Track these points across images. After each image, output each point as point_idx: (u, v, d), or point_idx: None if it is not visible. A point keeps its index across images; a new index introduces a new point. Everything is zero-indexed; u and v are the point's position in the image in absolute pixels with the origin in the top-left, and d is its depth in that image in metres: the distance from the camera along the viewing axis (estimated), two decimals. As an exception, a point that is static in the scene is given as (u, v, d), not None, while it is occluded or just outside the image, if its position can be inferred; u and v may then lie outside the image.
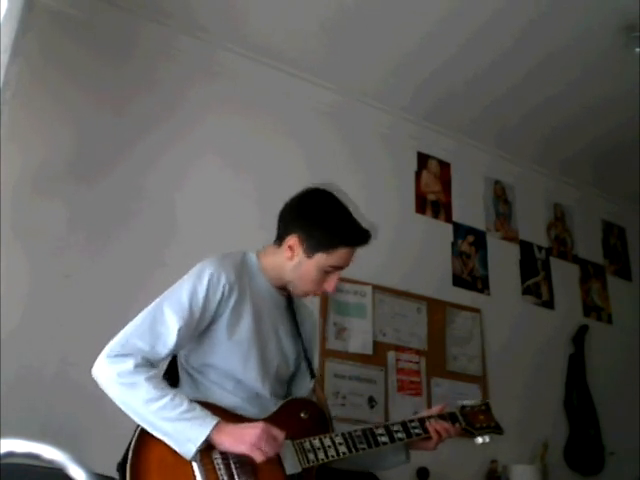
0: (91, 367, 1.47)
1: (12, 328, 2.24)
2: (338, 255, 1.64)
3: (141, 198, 2.73)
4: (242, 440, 1.41)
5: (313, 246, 1.63)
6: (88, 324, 2.37)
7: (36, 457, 0.80)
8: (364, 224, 1.71)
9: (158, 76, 2.95)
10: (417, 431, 1.71)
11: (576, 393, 3.60)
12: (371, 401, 2.96)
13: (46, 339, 2.35)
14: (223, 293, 1.57)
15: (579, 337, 3.75)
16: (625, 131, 3.62)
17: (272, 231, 1.77)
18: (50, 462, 0.80)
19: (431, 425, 1.72)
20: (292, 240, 1.65)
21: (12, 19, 2.25)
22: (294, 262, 1.65)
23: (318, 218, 1.67)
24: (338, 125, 3.38)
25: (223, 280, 1.57)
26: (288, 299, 1.77)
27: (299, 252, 1.64)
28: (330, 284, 1.67)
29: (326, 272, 1.65)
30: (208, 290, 1.55)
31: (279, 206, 1.74)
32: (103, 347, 1.47)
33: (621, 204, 4.39)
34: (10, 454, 0.80)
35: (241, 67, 3.16)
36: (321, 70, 3.26)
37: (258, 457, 1.42)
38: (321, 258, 1.63)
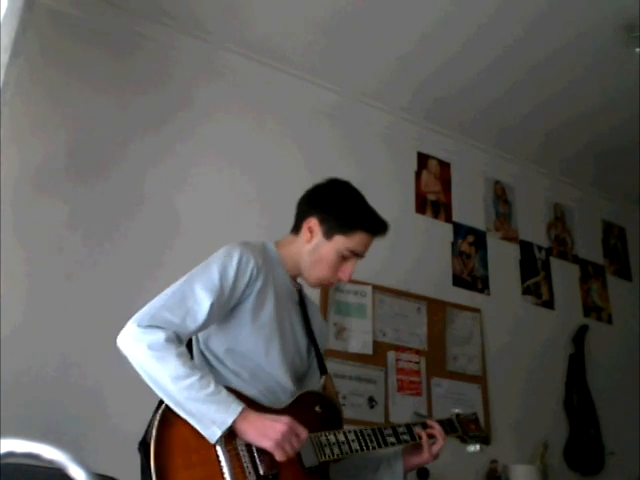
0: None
1: (12, 328, 2.24)
2: (357, 239, 1.66)
3: (141, 198, 2.73)
4: (267, 435, 1.39)
5: (333, 227, 1.66)
6: (88, 324, 2.37)
7: (36, 457, 0.80)
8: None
9: (159, 77, 2.95)
10: (417, 430, 1.70)
11: (576, 393, 3.60)
12: (371, 401, 2.96)
13: (46, 339, 2.34)
14: (251, 275, 1.57)
15: (579, 337, 3.75)
16: (625, 131, 3.62)
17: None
18: (50, 462, 0.80)
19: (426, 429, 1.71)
20: (312, 222, 1.68)
21: (12, 19, 2.26)
22: (312, 244, 1.67)
23: (339, 200, 1.71)
24: (338, 125, 3.38)
25: (252, 263, 1.57)
26: (300, 293, 1.77)
27: (318, 234, 1.67)
28: (345, 272, 1.67)
29: (343, 258, 1.66)
30: (238, 269, 1.55)
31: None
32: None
33: (621, 204, 4.39)
34: (10, 454, 0.80)
35: (242, 67, 3.16)
36: (321, 70, 3.26)
37: (280, 456, 1.40)
38: (340, 240, 1.65)
